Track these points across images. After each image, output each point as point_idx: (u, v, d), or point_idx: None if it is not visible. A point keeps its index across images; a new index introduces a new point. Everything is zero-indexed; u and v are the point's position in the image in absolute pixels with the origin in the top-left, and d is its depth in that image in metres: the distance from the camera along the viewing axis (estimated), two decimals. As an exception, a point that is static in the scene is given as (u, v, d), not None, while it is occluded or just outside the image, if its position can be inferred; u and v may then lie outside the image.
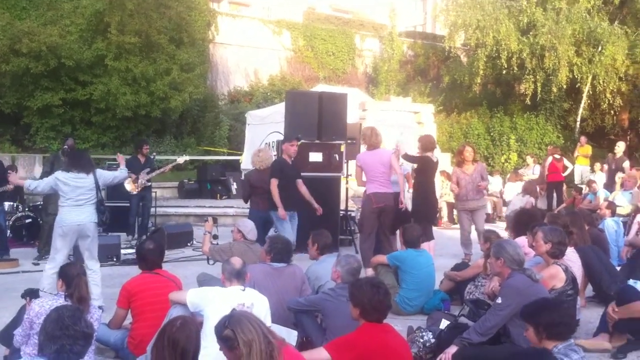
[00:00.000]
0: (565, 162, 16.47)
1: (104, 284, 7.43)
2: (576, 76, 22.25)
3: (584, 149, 18.96)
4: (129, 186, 11.55)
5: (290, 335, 5.07)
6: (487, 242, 6.71)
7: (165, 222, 13.59)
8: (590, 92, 23.42)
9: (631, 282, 6.32)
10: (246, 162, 15.98)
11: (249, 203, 9.65)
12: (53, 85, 18.23)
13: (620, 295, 5.73)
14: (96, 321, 4.77)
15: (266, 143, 15.48)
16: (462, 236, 10.19)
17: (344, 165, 11.30)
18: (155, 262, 5.75)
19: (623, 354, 5.43)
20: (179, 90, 19.02)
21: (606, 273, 7.00)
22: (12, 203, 11.71)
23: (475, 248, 9.76)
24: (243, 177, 11.65)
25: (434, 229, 10.08)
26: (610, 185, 14.58)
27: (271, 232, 8.73)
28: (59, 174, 6.97)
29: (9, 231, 10.88)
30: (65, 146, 10.92)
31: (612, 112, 23.70)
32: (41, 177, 9.12)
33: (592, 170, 17.82)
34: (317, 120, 10.73)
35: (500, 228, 11.94)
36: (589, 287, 7.23)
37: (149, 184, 11.95)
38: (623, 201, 12.13)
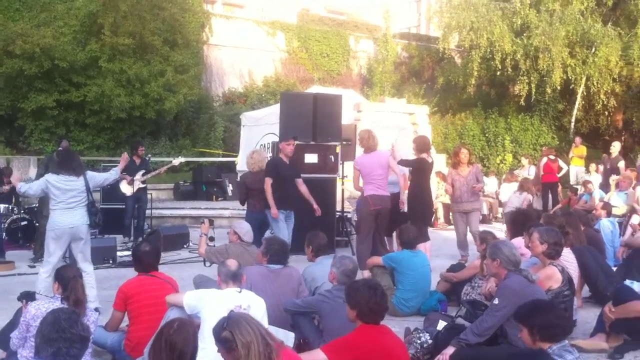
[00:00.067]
0: (560, 163, 16.53)
1: (100, 286, 7.42)
2: (570, 77, 22.33)
3: (579, 149, 18.99)
4: (124, 188, 11.55)
5: (287, 337, 5.06)
6: (483, 243, 6.71)
7: (161, 224, 13.56)
8: (585, 93, 23.50)
9: (627, 282, 6.33)
10: (241, 163, 15.98)
11: (246, 206, 9.65)
12: (47, 86, 18.19)
13: (616, 296, 5.73)
14: (93, 324, 4.76)
15: (261, 144, 15.46)
16: (457, 238, 10.20)
17: (340, 167, 11.30)
18: (151, 264, 5.73)
19: (620, 354, 5.42)
20: (174, 91, 19.01)
21: (602, 273, 7.00)
22: (7, 205, 11.68)
23: (471, 249, 9.77)
24: (239, 178, 11.63)
25: (430, 229, 10.10)
26: (606, 186, 14.60)
27: (267, 234, 8.72)
28: (50, 177, 6.95)
29: (4, 233, 10.83)
30: (60, 148, 10.89)
31: (606, 113, 23.79)
32: (36, 179, 9.09)
33: (587, 171, 17.86)
34: (312, 122, 10.72)
35: (497, 229, 11.99)
36: (586, 287, 7.24)
37: (144, 185, 11.93)
38: (618, 202, 12.15)
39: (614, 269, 7.87)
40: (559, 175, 16.23)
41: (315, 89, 17.98)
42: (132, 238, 11.81)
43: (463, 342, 4.97)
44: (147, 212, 12.50)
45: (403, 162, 9.60)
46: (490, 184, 16.83)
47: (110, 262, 9.86)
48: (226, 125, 22.18)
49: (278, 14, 27.87)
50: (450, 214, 12.24)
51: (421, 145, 9.65)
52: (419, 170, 9.53)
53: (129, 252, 9.55)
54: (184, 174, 19.75)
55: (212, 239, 7.52)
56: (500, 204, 16.01)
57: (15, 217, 11.55)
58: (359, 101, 17.37)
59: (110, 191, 11.88)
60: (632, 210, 11.47)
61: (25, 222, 11.51)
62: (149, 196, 12.39)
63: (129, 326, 5.48)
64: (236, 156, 18.90)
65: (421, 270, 7.12)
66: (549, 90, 22.71)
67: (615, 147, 15.83)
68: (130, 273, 6.17)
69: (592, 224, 9.37)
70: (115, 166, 8.15)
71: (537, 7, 22.71)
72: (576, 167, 18.70)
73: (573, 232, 7.23)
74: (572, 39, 22.22)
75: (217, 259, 6.55)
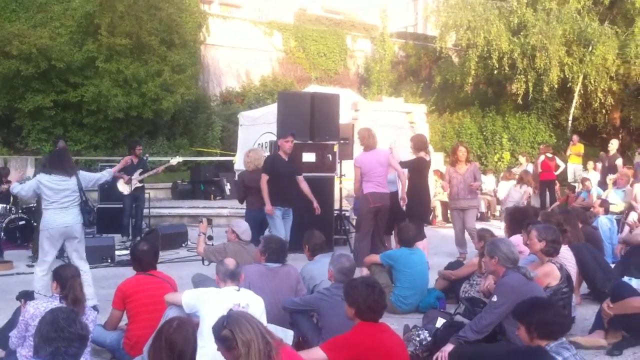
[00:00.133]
0: (558, 161, 16.55)
1: (99, 285, 7.42)
2: (567, 76, 22.37)
3: (576, 147, 19.04)
4: (122, 187, 11.56)
5: (286, 335, 5.06)
6: (482, 240, 6.71)
7: (160, 223, 13.55)
8: (582, 92, 23.56)
9: (625, 279, 6.34)
10: (239, 162, 15.96)
11: (245, 204, 9.65)
12: (44, 87, 18.18)
13: (614, 292, 5.74)
14: (91, 323, 4.76)
15: (259, 144, 15.46)
16: (455, 236, 10.21)
17: (337, 166, 11.31)
18: (149, 263, 5.73)
19: (618, 350, 5.43)
20: (171, 91, 19.00)
21: (600, 270, 7.02)
22: (5, 205, 11.67)
23: (470, 247, 9.78)
24: (237, 177, 11.62)
25: (428, 227, 10.11)
26: (604, 183, 14.63)
27: (267, 233, 8.72)
28: (42, 177, 6.95)
29: (2, 233, 10.85)
30: (57, 148, 10.88)
31: (603, 111, 23.86)
32: (34, 179, 9.10)
33: (585, 169, 17.89)
34: (310, 121, 10.72)
35: (495, 227, 12.01)
36: (584, 284, 7.25)
37: (142, 184, 11.94)
38: (616, 199, 12.18)
39: (612, 266, 7.88)
40: (556, 173, 16.24)
41: (312, 88, 17.97)
42: (130, 237, 11.81)
43: (462, 340, 4.97)
44: (145, 211, 12.52)
45: (402, 164, 9.62)
46: (488, 182, 16.85)
47: (109, 261, 9.86)
48: (224, 124, 22.17)
49: (275, 14, 27.85)
50: (449, 211, 12.27)
51: (419, 144, 9.70)
52: (418, 169, 9.56)
53: (128, 252, 9.54)
54: (181, 173, 19.76)
55: (210, 237, 7.53)
56: (498, 202, 16.03)
57: (13, 216, 11.55)
58: (357, 100, 17.37)
59: (108, 191, 11.90)
60: (629, 208, 11.50)
61: (23, 222, 11.50)
62: (146, 195, 12.41)
63: (127, 325, 5.49)
64: (234, 155, 18.89)
65: (419, 268, 7.13)
66: (546, 89, 22.75)
67: (613, 145, 15.87)
68: (129, 272, 6.18)
69: (590, 221, 9.40)
70: (112, 166, 8.12)
71: (534, 5, 22.74)
72: (574, 165, 18.76)
73: (571, 230, 7.23)
74: (569, 38, 22.27)
75: (215, 257, 6.55)
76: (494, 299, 5.01)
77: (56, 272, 4.93)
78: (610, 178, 13.31)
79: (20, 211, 11.74)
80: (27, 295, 5.13)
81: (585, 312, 6.50)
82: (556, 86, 22.85)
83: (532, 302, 4.35)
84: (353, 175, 9.41)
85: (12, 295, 5.38)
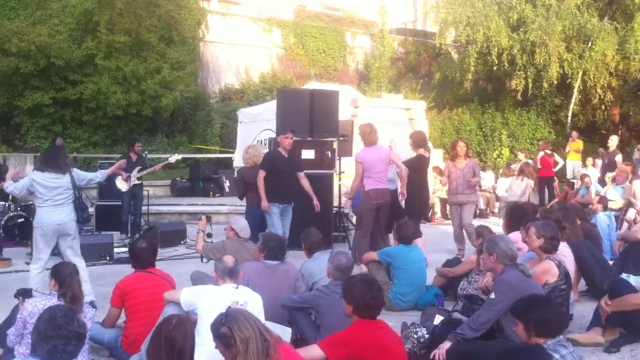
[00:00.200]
0: (557, 157, 16.54)
1: (97, 283, 7.43)
2: (567, 72, 22.37)
3: (576, 143, 19.04)
4: (120, 184, 11.57)
5: (284, 333, 5.06)
6: (480, 237, 6.71)
7: (158, 220, 13.55)
8: (581, 88, 23.56)
9: (623, 275, 6.34)
10: (238, 159, 15.96)
11: (245, 200, 9.64)
12: (43, 84, 18.15)
13: (612, 289, 5.73)
14: (89, 320, 4.76)
15: (258, 140, 15.46)
16: (454, 231, 10.23)
17: (337, 162, 11.30)
18: (148, 261, 5.73)
19: (616, 347, 5.43)
20: (170, 88, 18.98)
21: (599, 267, 7.01)
22: (4, 202, 11.66)
23: (468, 244, 9.79)
24: (236, 174, 11.63)
25: (427, 224, 10.11)
26: (604, 180, 14.62)
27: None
28: (35, 175, 6.95)
29: (1, 231, 10.86)
30: (53, 145, 10.88)
31: (603, 107, 23.85)
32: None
33: (584, 165, 17.88)
34: (309, 118, 10.72)
35: (493, 223, 12.01)
36: (582, 281, 7.25)
37: (140, 181, 11.94)
38: (615, 195, 12.16)
39: (611, 262, 7.88)
40: (555, 170, 16.24)
41: (312, 85, 17.97)
42: (129, 235, 11.82)
43: (460, 337, 4.97)
44: (144, 208, 12.51)
45: (405, 163, 9.61)
46: (487, 178, 16.86)
47: (107, 258, 9.84)
48: (223, 121, 22.16)
49: (274, 11, 27.79)
50: (448, 207, 12.26)
51: (418, 140, 9.70)
52: (417, 166, 9.57)
53: (126, 249, 9.54)
54: (180, 170, 19.75)
55: (209, 235, 7.54)
56: (497, 199, 16.02)
57: (11, 214, 11.52)
58: (356, 97, 17.36)
59: (107, 188, 11.90)
60: (628, 204, 11.49)
61: (21, 219, 11.47)
62: (145, 192, 12.39)
63: (126, 322, 5.49)
64: (233, 152, 18.89)
65: (417, 265, 7.13)
66: (545, 85, 22.76)
67: (613, 141, 15.86)
68: (127, 270, 6.17)
69: (588, 218, 9.40)
70: (112, 163, 8.11)
71: (533, 1, 22.74)
72: (573, 161, 18.76)
73: (570, 227, 7.24)
74: (568, 34, 22.25)
75: (214, 255, 6.56)
76: (492, 296, 5.01)
77: (54, 270, 4.93)
78: (609, 175, 13.29)
79: (18, 209, 11.72)
80: (25, 293, 5.13)
81: (583, 309, 6.51)
82: (555, 82, 22.85)
83: (531, 300, 4.35)
84: (353, 172, 9.36)
85: (10, 292, 5.38)
